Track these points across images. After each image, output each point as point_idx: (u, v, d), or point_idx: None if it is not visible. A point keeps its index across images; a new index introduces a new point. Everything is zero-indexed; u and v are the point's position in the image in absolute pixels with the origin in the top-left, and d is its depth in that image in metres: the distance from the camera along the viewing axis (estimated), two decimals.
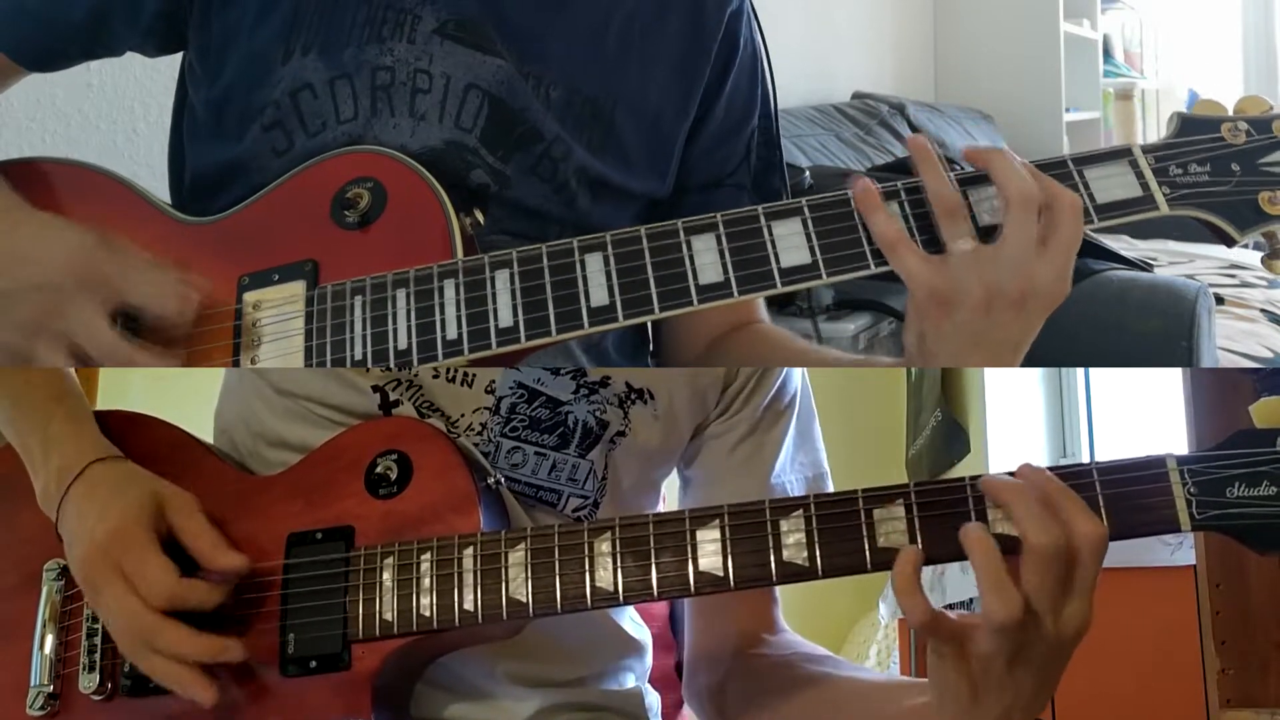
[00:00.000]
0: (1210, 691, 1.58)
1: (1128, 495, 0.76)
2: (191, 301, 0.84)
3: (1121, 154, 0.85)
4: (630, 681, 1.04)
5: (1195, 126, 0.86)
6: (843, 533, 0.78)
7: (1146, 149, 0.85)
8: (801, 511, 0.79)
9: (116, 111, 1.79)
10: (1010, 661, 0.73)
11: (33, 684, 0.87)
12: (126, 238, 0.87)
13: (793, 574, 0.78)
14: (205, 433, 0.99)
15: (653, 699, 1.06)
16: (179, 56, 1.05)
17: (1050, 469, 0.76)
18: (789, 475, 1.03)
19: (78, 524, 0.84)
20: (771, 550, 0.78)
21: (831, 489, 1.05)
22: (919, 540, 0.77)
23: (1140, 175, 0.84)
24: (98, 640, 0.87)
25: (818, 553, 0.78)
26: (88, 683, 0.86)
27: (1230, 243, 0.84)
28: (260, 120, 0.95)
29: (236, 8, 0.96)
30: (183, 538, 0.83)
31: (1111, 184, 0.84)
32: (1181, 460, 0.76)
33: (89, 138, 1.77)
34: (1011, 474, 0.76)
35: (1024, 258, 0.78)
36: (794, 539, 0.78)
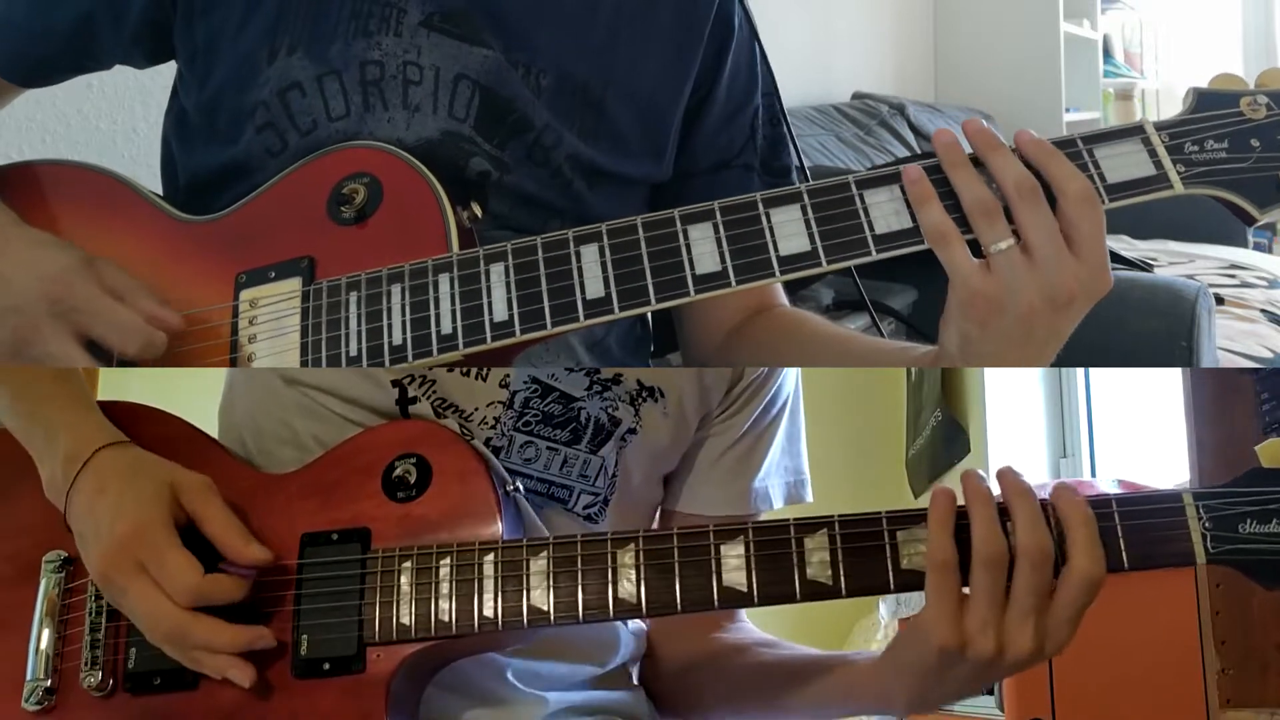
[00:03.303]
0: (1210, 691, 1.57)
1: (1146, 528, 0.78)
2: (155, 342, 0.84)
3: (1134, 132, 0.82)
4: (636, 680, 1.04)
5: (1212, 101, 0.83)
6: (867, 553, 0.79)
7: (1160, 125, 0.82)
8: (826, 530, 0.79)
9: (116, 111, 1.79)
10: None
11: (29, 678, 0.86)
12: (119, 255, 0.87)
13: (817, 592, 0.79)
14: (208, 430, 0.98)
15: None
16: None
17: None
18: (772, 479, 1.03)
19: (91, 520, 0.83)
20: (796, 568, 0.79)
21: (810, 497, 1.06)
22: None
23: (1153, 153, 0.81)
24: (100, 635, 0.86)
25: (842, 572, 0.78)
26: (89, 679, 0.85)
27: (1250, 221, 0.82)
28: (252, 122, 0.95)
29: (221, 10, 0.96)
30: (204, 527, 0.82)
31: (1123, 163, 0.81)
32: (1197, 495, 0.78)
33: (89, 138, 1.77)
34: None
35: (1058, 251, 0.77)
36: (818, 557, 0.79)
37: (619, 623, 1.01)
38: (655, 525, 1.04)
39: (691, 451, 1.02)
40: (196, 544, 0.82)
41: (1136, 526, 0.77)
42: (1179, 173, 0.80)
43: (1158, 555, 0.77)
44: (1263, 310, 2.63)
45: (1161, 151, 0.81)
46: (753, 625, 1.05)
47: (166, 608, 0.79)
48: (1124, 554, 0.77)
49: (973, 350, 0.80)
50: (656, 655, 1.05)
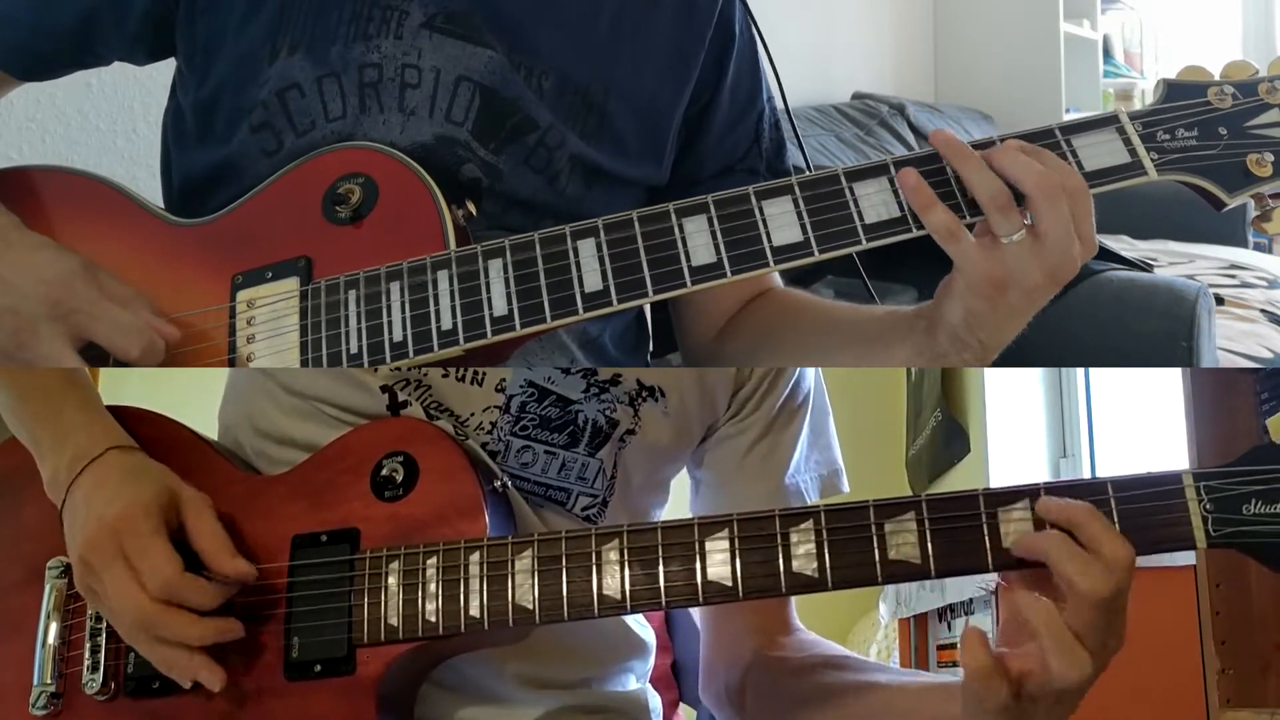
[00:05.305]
0: (1210, 691, 1.57)
1: (1143, 512, 0.75)
2: (157, 346, 0.84)
3: (1109, 121, 0.85)
4: (633, 682, 1.03)
5: (1182, 92, 0.86)
6: (853, 544, 0.77)
7: (1134, 115, 0.85)
8: (811, 522, 0.78)
9: (116, 111, 1.79)
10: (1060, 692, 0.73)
11: (35, 683, 0.87)
12: (114, 260, 0.87)
13: (802, 585, 0.78)
14: (206, 431, 0.99)
15: (654, 700, 1.06)
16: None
17: (1064, 484, 0.76)
18: (803, 475, 1.03)
19: (85, 507, 0.83)
20: (781, 560, 0.78)
21: (846, 487, 1.05)
22: (930, 554, 0.76)
23: (1128, 142, 0.84)
24: (101, 640, 0.86)
25: (828, 564, 0.77)
26: (91, 683, 0.85)
27: (1220, 206, 0.85)
28: (248, 121, 0.95)
29: (223, 9, 0.96)
30: (193, 537, 0.83)
31: (1099, 151, 0.84)
32: (1198, 476, 0.75)
33: (88, 138, 1.77)
34: (1023, 489, 0.76)
35: (1069, 238, 0.80)
36: (804, 549, 0.78)
37: (622, 623, 1.01)
38: None
39: (713, 461, 1.01)
40: (185, 556, 0.82)
41: (1133, 511, 0.75)
42: (1152, 160, 0.84)
43: (1156, 541, 0.75)
44: (1263, 310, 2.63)
45: (1136, 140, 0.84)
46: (816, 636, 1.02)
47: (138, 596, 0.79)
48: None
49: (977, 321, 0.83)
50: (717, 683, 1.04)
